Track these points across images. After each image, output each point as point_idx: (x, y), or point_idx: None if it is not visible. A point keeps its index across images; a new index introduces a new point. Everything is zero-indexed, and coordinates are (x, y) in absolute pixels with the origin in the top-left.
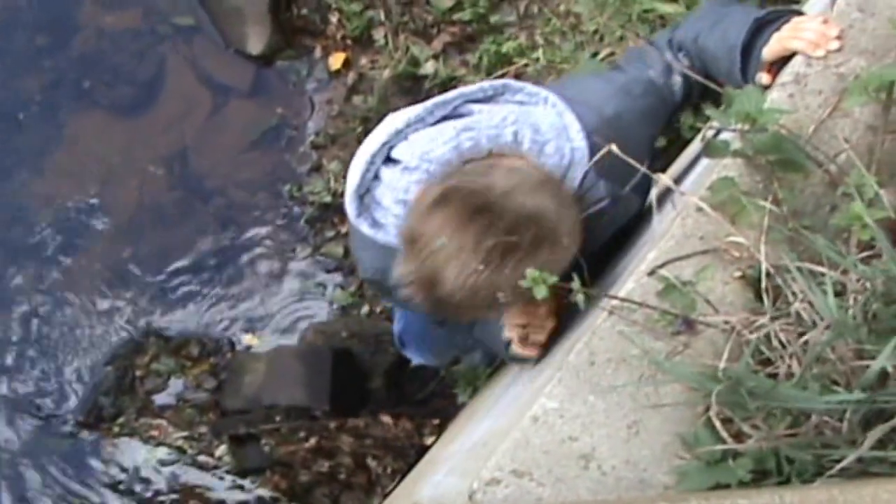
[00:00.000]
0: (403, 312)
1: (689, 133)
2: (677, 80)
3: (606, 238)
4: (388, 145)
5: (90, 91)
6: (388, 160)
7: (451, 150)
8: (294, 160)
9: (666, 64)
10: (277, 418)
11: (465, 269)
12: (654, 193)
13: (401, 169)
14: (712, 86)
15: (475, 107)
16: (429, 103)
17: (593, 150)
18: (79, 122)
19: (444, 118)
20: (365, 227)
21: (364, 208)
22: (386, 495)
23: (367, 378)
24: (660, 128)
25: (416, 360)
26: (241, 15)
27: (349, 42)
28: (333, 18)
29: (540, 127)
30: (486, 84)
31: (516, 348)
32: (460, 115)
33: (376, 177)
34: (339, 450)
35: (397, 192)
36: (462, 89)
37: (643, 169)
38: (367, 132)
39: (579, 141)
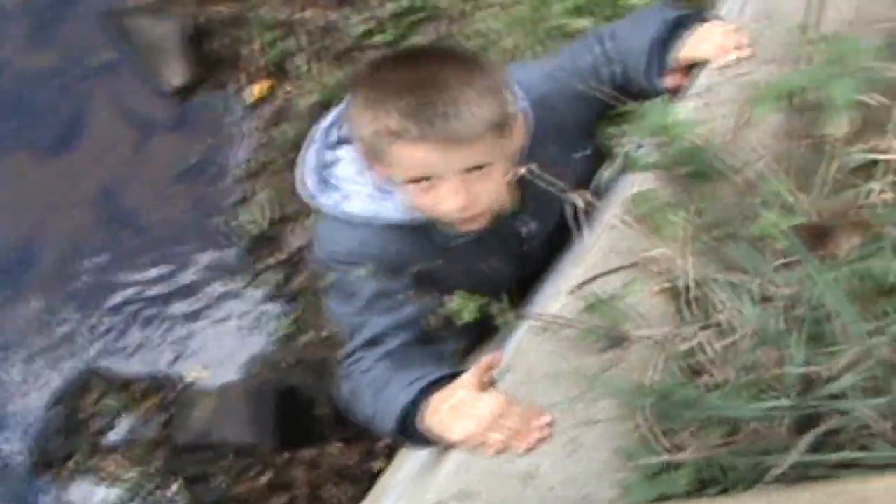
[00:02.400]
0: None
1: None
2: (605, 71)
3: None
4: (337, 125)
5: (14, 132)
6: (336, 144)
7: None
8: (223, 191)
9: (594, 56)
10: (229, 457)
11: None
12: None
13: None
14: (621, 97)
15: None
16: None
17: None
18: (4, 165)
19: None
20: (330, 201)
21: (328, 187)
22: None
23: (313, 406)
24: (596, 111)
25: None
26: (161, 50)
27: (269, 71)
28: (251, 49)
29: None
30: None
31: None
32: None
33: (333, 161)
34: (294, 482)
35: (359, 161)
36: None
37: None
38: (294, 160)
39: (522, 101)
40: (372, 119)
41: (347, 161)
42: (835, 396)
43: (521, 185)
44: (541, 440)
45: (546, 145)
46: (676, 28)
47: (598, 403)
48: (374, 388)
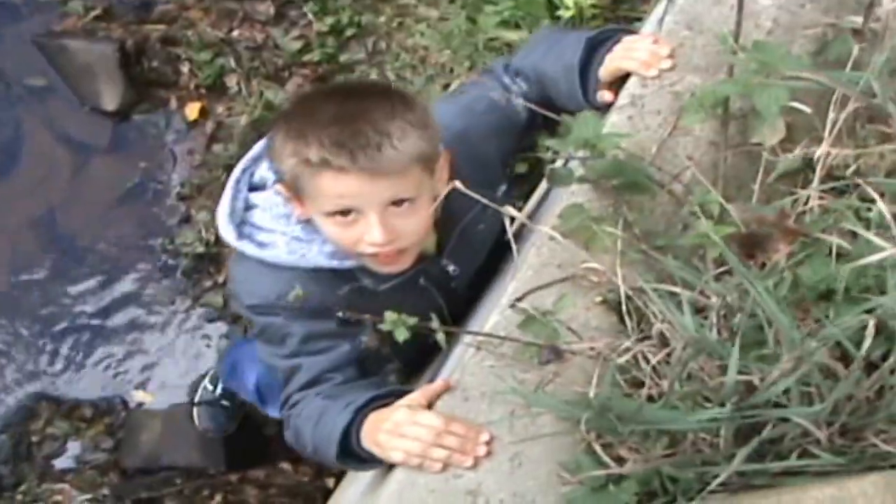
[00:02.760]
0: (256, 362)
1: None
2: (519, 102)
3: (485, 254)
4: (249, 171)
5: None
6: (253, 189)
7: None
8: (163, 213)
9: (504, 87)
10: (178, 481)
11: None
12: (509, 226)
13: (270, 186)
14: (549, 114)
15: None
16: None
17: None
18: None
19: None
20: (251, 248)
21: (245, 236)
22: None
23: (261, 427)
24: (511, 145)
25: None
26: (92, 72)
27: (203, 91)
28: (185, 69)
29: None
30: None
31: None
32: None
33: (248, 207)
34: (246, 502)
35: (275, 207)
36: None
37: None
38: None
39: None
40: (295, 150)
41: (263, 208)
42: (774, 405)
43: (444, 227)
44: (483, 457)
45: (467, 182)
46: (595, 47)
47: (540, 418)
48: (312, 421)
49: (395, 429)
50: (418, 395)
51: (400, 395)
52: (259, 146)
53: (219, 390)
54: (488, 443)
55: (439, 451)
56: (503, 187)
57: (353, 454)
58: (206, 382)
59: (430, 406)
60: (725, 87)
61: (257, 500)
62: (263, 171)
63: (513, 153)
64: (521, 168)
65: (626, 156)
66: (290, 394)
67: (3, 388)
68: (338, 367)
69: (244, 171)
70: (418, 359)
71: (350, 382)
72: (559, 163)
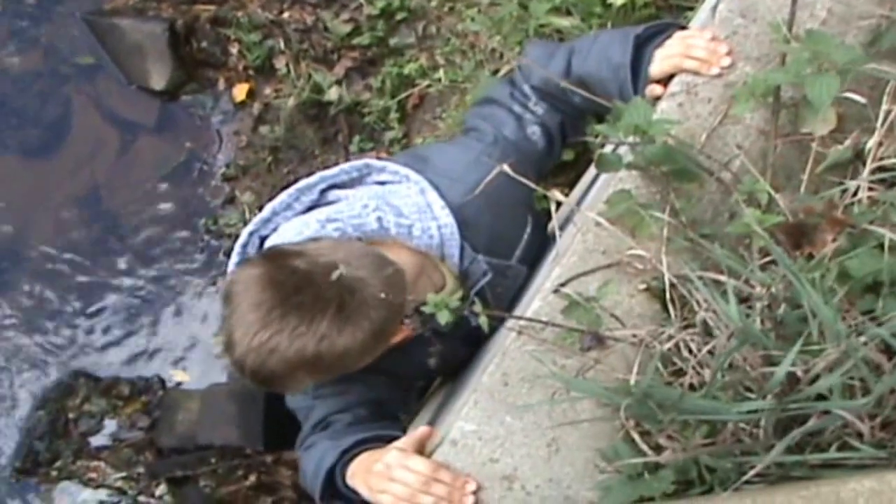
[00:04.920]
0: None
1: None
2: (534, 129)
3: (462, 352)
4: (258, 234)
5: None
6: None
7: None
8: (207, 193)
9: (516, 118)
10: (213, 460)
11: (250, 330)
12: (555, 212)
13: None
14: (605, 103)
15: (340, 192)
16: (292, 189)
17: (464, 223)
18: None
19: (314, 205)
20: None
21: None
22: None
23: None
24: (533, 178)
25: None
26: (142, 52)
27: (251, 72)
28: (234, 50)
29: (402, 210)
30: (346, 166)
31: None
32: (329, 202)
33: None
34: (280, 484)
35: None
36: (324, 173)
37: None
38: (276, 161)
39: (445, 217)
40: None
41: None
42: (816, 397)
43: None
44: None
45: (492, 229)
46: (643, 44)
47: (579, 404)
48: (313, 462)
49: (386, 471)
50: (409, 440)
51: (390, 439)
52: (269, 208)
53: None
54: (475, 492)
55: (426, 499)
56: (528, 228)
57: (338, 495)
58: None
59: (421, 451)
60: (777, 76)
61: (291, 480)
62: (273, 241)
63: (538, 181)
64: (568, 155)
65: (676, 143)
66: (305, 434)
67: (43, 364)
68: (347, 407)
69: (251, 234)
70: (460, 344)
71: (360, 423)
72: (608, 148)
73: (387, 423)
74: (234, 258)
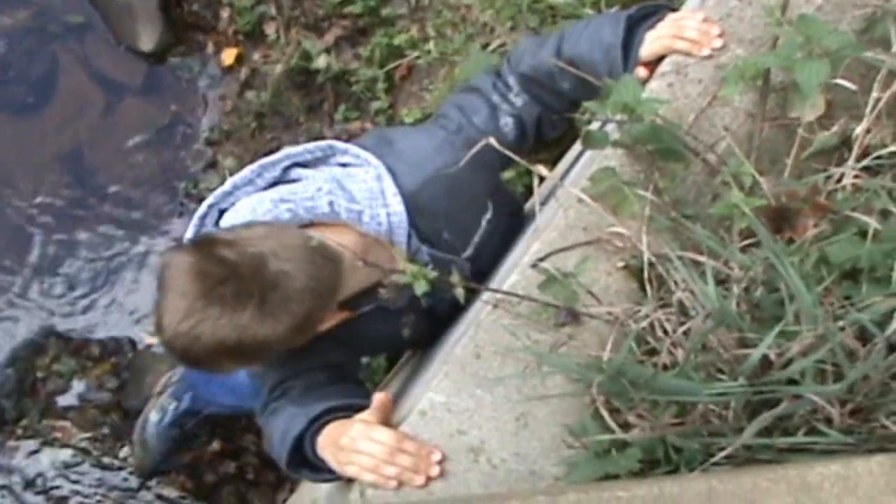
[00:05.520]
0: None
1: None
2: (507, 121)
3: (447, 304)
4: (217, 207)
5: None
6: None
7: (271, 220)
8: (189, 157)
9: (491, 108)
10: None
11: (175, 317)
12: (537, 186)
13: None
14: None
15: (302, 171)
16: (255, 165)
17: (418, 210)
18: None
19: (275, 182)
20: None
21: None
22: (293, 490)
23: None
24: (496, 173)
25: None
26: (132, 12)
27: (241, 37)
28: (224, 14)
29: (355, 195)
30: (311, 146)
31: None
32: (290, 180)
33: None
34: (244, 450)
35: None
36: (288, 150)
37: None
38: (260, 127)
39: (396, 205)
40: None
41: None
42: (788, 381)
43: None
44: (436, 477)
45: (448, 217)
46: (634, 26)
47: (550, 380)
48: (279, 429)
49: (351, 444)
50: (373, 411)
51: (358, 408)
52: (230, 182)
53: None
54: (440, 462)
55: (390, 469)
56: (487, 215)
57: (306, 463)
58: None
59: (386, 421)
60: (767, 59)
61: (256, 447)
62: (228, 216)
63: (503, 170)
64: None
65: (663, 122)
66: (264, 402)
67: (14, 321)
68: (300, 373)
69: (211, 206)
70: (427, 318)
71: (319, 388)
72: (595, 125)
73: (349, 388)
74: (191, 229)
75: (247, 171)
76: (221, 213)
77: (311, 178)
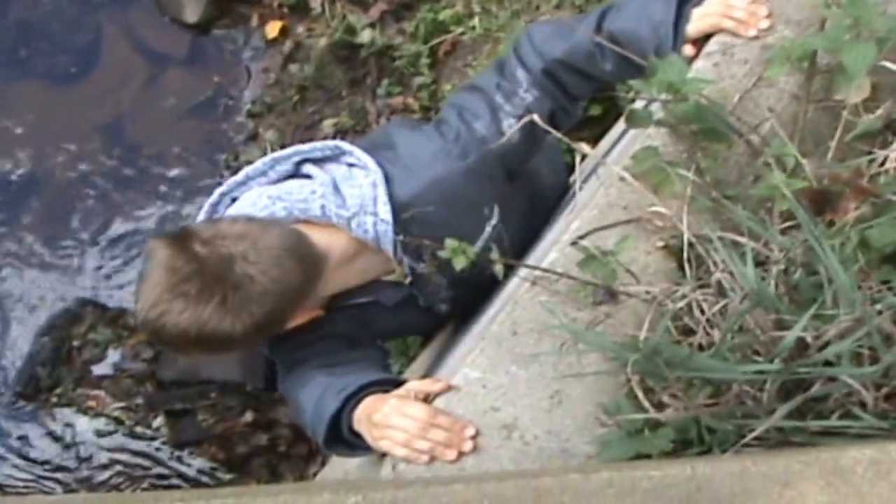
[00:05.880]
0: None
1: (626, 103)
2: (511, 122)
3: (425, 324)
4: (230, 195)
5: (26, 60)
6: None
7: (267, 216)
8: (230, 129)
9: (492, 111)
10: (212, 395)
11: (146, 303)
12: (579, 163)
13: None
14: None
15: (311, 168)
16: (267, 158)
17: (411, 219)
18: (14, 92)
19: (289, 175)
20: None
21: None
22: (324, 463)
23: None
24: (496, 176)
25: None
26: None
27: (286, 10)
28: None
29: (346, 201)
30: (319, 144)
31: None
32: (301, 175)
33: None
34: (276, 422)
35: None
36: (299, 147)
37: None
38: (302, 101)
39: (384, 214)
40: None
41: None
42: (824, 363)
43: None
44: (468, 452)
45: (443, 226)
46: (683, 2)
47: (586, 357)
48: (311, 401)
49: (385, 419)
50: (414, 386)
51: (395, 383)
52: (244, 172)
53: None
54: (474, 437)
55: (423, 443)
56: (493, 221)
57: (341, 440)
58: None
59: (425, 400)
60: (814, 41)
61: (289, 419)
62: (232, 208)
63: (511, 176)
64: (595, 110)
65: (708, 102)
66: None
67: (52, 290)
68: (314, 346)
69: (223, 195)
70: (473, 292)
71: (337, 353)
72: (639, 104)
73: (371, 355)
74: (202, 215)
75: (259, 164)
76: (233, 200)
77: (314, 178)
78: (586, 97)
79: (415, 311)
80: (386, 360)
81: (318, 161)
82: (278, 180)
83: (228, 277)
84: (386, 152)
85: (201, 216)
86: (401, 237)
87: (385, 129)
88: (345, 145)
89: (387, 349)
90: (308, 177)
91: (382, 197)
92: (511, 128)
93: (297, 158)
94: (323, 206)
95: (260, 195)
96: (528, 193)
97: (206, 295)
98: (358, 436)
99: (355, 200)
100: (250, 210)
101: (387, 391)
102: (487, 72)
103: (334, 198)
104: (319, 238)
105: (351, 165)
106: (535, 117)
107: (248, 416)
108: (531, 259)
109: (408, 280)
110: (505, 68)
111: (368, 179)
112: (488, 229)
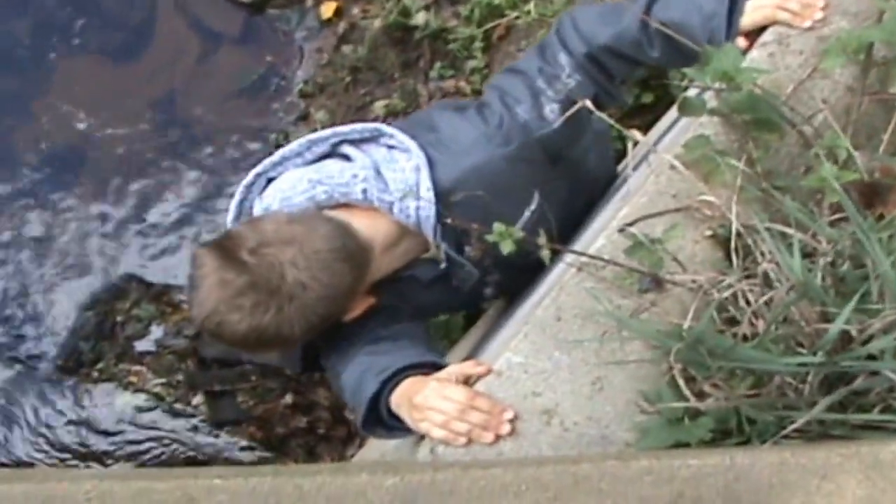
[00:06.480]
0: None
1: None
2: (553, 107)
3: (461, 301)
4: (265, 176)
5: (80, 35)
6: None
7: (307, 199)
8: (282, 108)
9: (534, 95)
10: (253, 377)
11: (203, 311)
12: (631, 149)
13: (264, 207)
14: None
15: (350, 149)
16: (303, 140)
17: (454, 203)
18: (68, 66)
19: (325, 155)
20: None
21: None
22: (361, 445)
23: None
24: (538, 161)
25: None
26: None
27: None
28: None
29: (388, 185)
30: (359, 126)
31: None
32: (340, 155)
33: (250, 209)
34: (316, 404)
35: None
36: (337, 128)
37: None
38: (354, 82)
39: (427, 199)
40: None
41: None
42: (868, 357)
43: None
44: (506, 435)
45: (486, 210)
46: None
47: (629, 345)
48: (351, 379)
49: (424, 401)
50: (455, 369)
51: (434, 365)
52: (280, 153)
53: None
54: (512, 420)
55: (461, 425)
56: (532, 206)
57: (381, 422)
58: None
59: (466, 382)
60: (871, 33)
61: (329, 401)
62: (271, 189)
63: (555, 161)
64: (647, 98)
65: (762, 92)
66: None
67: (97, 265)
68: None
69: (258, 175)
70: (517, 275)
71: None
72: (692, 93)
73: (412, 328)
74: (237, 196)
75: (295, 145)
76: (269, 181)
77: (354, 161)
78: (630, 81)
79: (450, 289)
80: (427, 334)
81: (355, 142)
82: (314, 161)
83: (282, 288)
84: (428, 135)
85: (235, 198)
86: (441, 223)
87: (427, 111)
88: (385, 128)
89: (427, 327)
90: (346, 157)
91: (426, 182)
92: (553, 112)
93: (334, 140)
94: (365, 191)
95: (300, 178)
96: (571, 179)
97: (261, 308)
98: (397, 418)
99: (398, 185)
100: (290, 193)
101: (426, 374)
102: (529, 55)
103: (376, 182)
104: (362, 224)
105: (391, 148)
106: (587, 102)
107: (289, 399)
108: (578, 245)
109: (443, 266)
110: (547, 52)
111: (411, 164)
112: (527, 214)
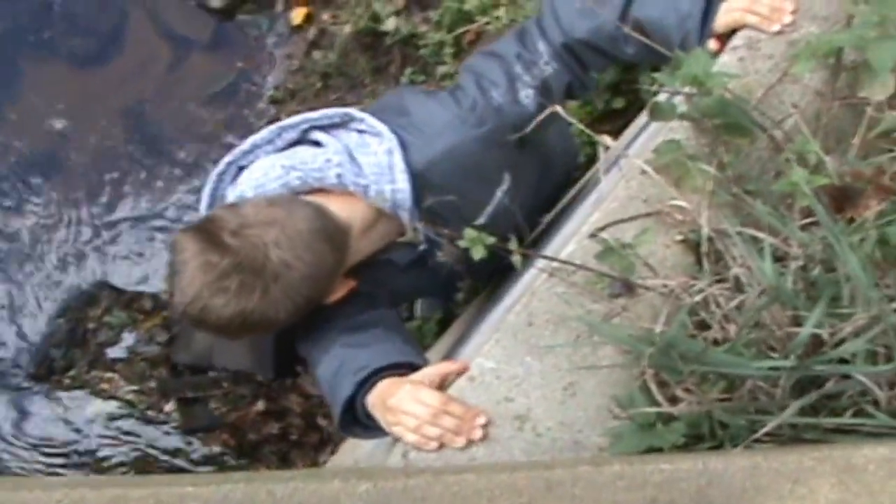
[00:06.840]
0: None
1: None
2: (528, 92)
3: (437, 285)
4: (236, 165)
5: (50, 41)
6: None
7: (281, 185)
8: (252, 115)
9: (510, 80)
10: (225, 384)
11: (186, 296)
12: (601, 156)
13: (237, 195)
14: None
15: (320, 135)
16: (274, 126)
17: (427, 185)
18: (37, 72)
19: (295, 142)
20: None
21: None
22: (334, 452)
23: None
24: (509, 144)
25: None
26: None
27: None
28: None
29: (363, 169)
30: (329, 112)
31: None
32: (310, 141)
33: (223, 198)
34: (288, 410)
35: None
36: (307, 115)
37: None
38: (325, 87)
39: (402, 183)
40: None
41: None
42: (839, 361)
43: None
44: (478, 440)
45: (459, 192)
46: None
47: (601, 350)
48: (327, 374)
49: (398, 404)
50: (430, 370)
51: (409, 365)
52: (250, 141)
53: None
54: (485, 425)
55: (433, 430)
56: (504, 186)
57: (357, 421)
58: None
59: (441, 385)
60: (840, 38)
61: (301, 407)
62: (244, 176)
63: (525, 144)
64: (619, 103)
65: (732, 97)
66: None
67: (67, 271)
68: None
69: (229, 164)
70: (489, 279)
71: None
72: (662, 97)
73: (389, 316)
74: (209, 185)
75: (265, 132)
76: (240, 169)
77: (326, 146)
78: (603, 71)
79: (426, 273)
80: (401, 322)
81: (325, 128)
82: (284, 148)
83: (266, 268)
84: (399, 119)
85: (207, 187)
86: (417, 205)
87: (397, 94)
88: (355, 112)
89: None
90: (316, 143)
91: (399, 164)
92: (528, 97)
93: (304, 126)
94: (339, 175)
95: (273, 165)
96: (538, 161)
97: (247, 289)
98: (373, 418)
99: (372, 168)
100: (263, 180)
101: (403, 374)
102: (507, 39)
103: (351, 166)
104: (338, 208)
105: (361, 132)
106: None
107: (261, 405)
108: (549, 250)
109: (422, 247)
110: (526, 38)
111: (383, 147)
112: (499, 194)
